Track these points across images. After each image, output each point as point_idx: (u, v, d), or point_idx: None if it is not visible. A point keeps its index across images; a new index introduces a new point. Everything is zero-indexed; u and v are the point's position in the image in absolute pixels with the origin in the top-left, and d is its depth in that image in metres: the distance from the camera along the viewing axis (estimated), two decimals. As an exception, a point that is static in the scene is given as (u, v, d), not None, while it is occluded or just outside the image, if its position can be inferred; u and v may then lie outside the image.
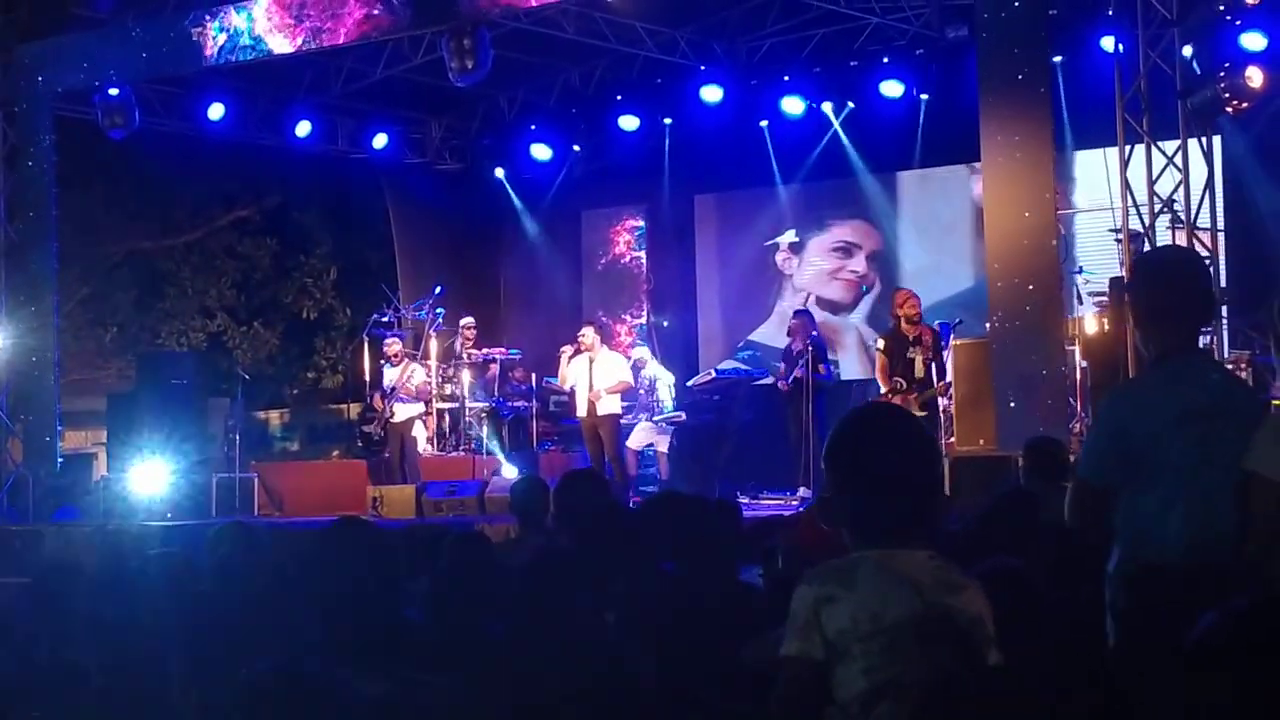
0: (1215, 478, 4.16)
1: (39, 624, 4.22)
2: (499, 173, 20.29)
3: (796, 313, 15.86)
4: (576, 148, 19.49)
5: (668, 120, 18.70)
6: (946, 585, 3.26)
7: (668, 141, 18.91)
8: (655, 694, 3.41)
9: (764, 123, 18.18)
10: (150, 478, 15.40)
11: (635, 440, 16.08)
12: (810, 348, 14.89)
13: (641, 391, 16.03)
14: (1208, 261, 11.30)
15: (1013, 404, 11.64)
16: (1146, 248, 11.77)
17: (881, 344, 14.23)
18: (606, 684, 2.62)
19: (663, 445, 16.21)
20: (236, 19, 15.17)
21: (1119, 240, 12.76)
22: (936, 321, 14.91)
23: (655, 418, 16.18)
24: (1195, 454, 4.19)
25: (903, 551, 3.29)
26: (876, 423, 3.52)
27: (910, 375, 13.68)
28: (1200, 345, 4.65)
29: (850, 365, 17.82)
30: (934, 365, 13.68)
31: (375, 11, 14.38)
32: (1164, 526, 4.19)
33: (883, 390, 13.89)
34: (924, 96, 16.94)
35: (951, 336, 14.38)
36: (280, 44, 15.01)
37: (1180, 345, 4.37)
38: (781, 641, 3.34)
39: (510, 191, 20.44)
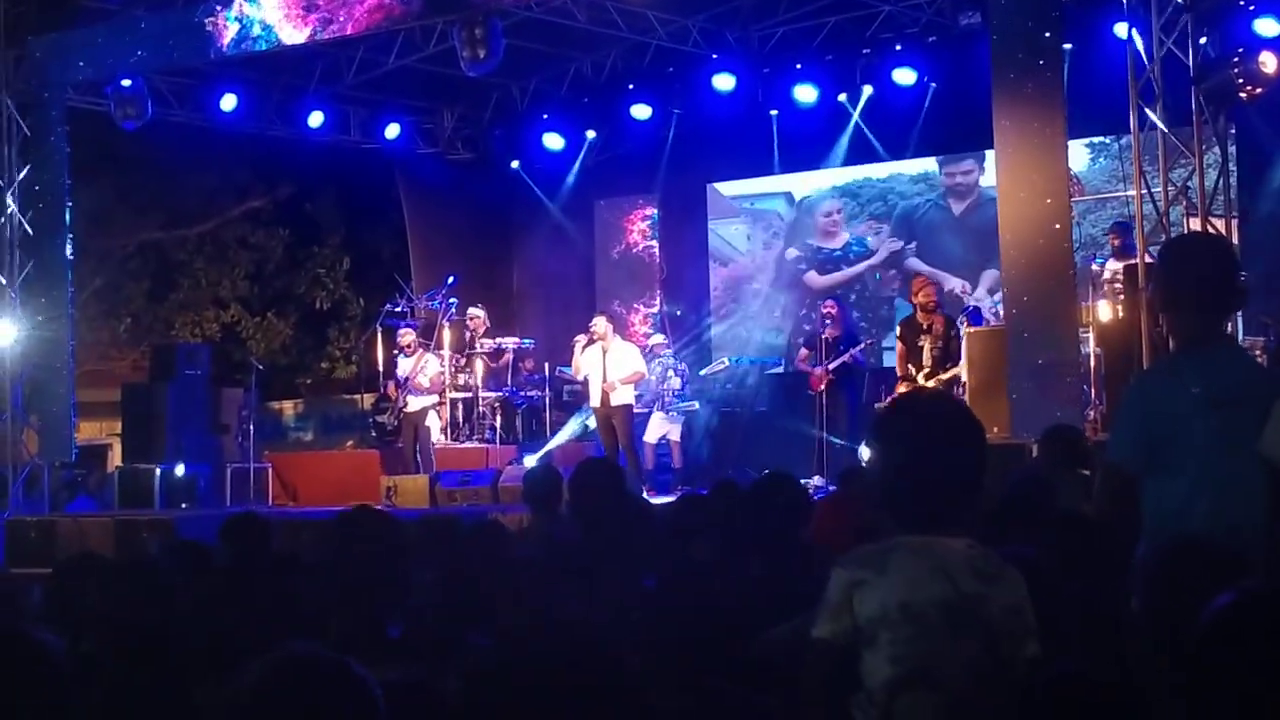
0: (1240, 464, 4.17)
1: (55, 614, 4.24)
2: (515, 164, 20.29)
3: (831, 299, 15.74)
4: (591, 133, 19.47)
5: (677, 110, 18.66)
6: (982, 574, 3.26)
7: (680, 130, 18.89)
8: (662, 688, 3.40)
9: (774, 112, 18.17)
10: (165, 468, 15.46)
11: (652, 434, 16.06)
12: (843, 336, 14.89)
13: (653, 379, 16.02)
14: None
15: (1027, 391, 11.61)
16: (1160, 235, 11.75)
17: (899, 331, 14.23)
18: (612, 677, 2.61)
19: (676, 434, 16.21)
20: (248, 8, 15.14)
21: (1132, 227, 12.72)
22: (964, 309, 14.92)
23: (668, 407, 16.17)
24: (1220, 440, 4.19)
25: (941, 539, 3.29)
26: (923, 410, 3.52)
27: (919, 364, 13.66)
28: (1226, 332, 4.64)
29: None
30: (943, 354, 13.66)
31: (386, 0, 14.37)
32: (1190, 512, 4.20)
33: (899, 376, 13.91)
34: (932, 84, 16.92)
35: (966, 324, 14.36)
36: (291, 34, 14.99)
37: (1206, 332, 4.36)
38: (798, 632, 3.34)
39: (524, 181, 20.44)
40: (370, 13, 14.51)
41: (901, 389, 13.55)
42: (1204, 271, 4.40)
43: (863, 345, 15.26)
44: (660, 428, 16.13)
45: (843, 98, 17.74)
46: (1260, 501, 4.17)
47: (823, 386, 14.99)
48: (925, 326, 13.76)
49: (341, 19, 14.69)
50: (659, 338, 17.22)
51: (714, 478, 13.31)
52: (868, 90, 17.56)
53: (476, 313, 17.74)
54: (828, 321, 15.13)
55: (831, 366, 14.80)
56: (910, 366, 13.70)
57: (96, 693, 3.41)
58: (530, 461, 15.31)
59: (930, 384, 13.46)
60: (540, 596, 4.95)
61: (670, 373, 16.34)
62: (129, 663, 3.61)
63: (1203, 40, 11.92)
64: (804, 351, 15.61)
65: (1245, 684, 2.53)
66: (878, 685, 3.21)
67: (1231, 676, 2.55)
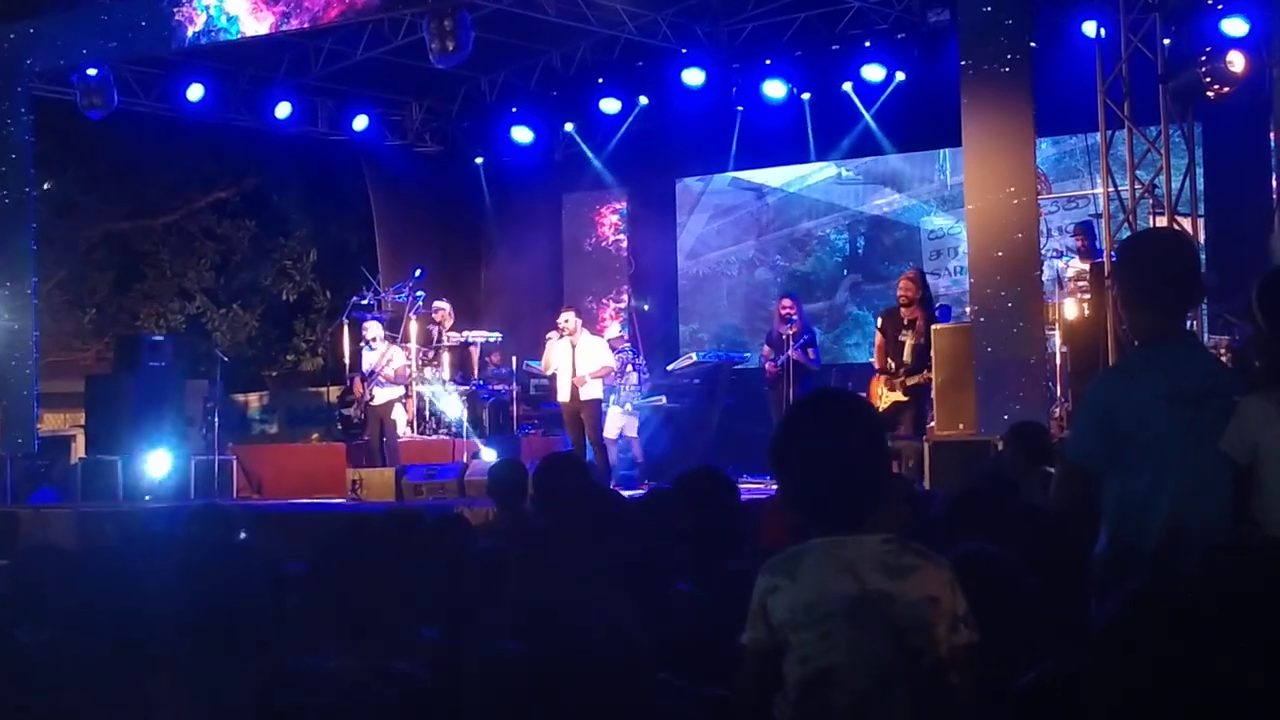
0: (1202, 461, 4.19)
1: (17, 607, 4.22)
2: (478, 161, 20.26)
3: (788, 296, 15.73)
4: (569, 126, 19.42)
5: (644, 100, 18.58)
6: (893, 569, 3.28)
7: (649, 124, 18.87)
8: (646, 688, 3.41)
9: (739, 108, 18.14)
10: (129, 460, 15.39)
11: (610, 429, 15.97)
12: (800, 332, 14.87)
13: (615, 375, 16.01)
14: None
15: (992, 388, 11.65)
16: (1126, 233, 11.80)
17: (880, 323, 14.20)
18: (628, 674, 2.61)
19: (633, 430, 16.18)
20: (214, -1, 15.11)
21: (1097, 225, 12.79)
22: (937, 306, 14.95)
23: (624, 400, 16.15)
24: (1182, 437, 4.20)
25: (853, 538, 3.32)
26: (815, 411, 3.55)
27: (899, 358, 13.65)
28: (1186, 328, 4.65)
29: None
30: (923, 351, 13.63)
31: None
32: (1151, 509, 4.21)
33: (876, 368, 13.91)
34: (901, 75, 16.94)
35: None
36: (254, 25, 14.94)
37: (1167, 329, 4.37)
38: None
39: (492, 174, 20.40)
40: (331, 6, 14.45)
41: (880, 382, 13.55)
42: (1164, 268, 4.40)
43: (805, 340, 15.10)
44: (617, 423, 16.07)
45: (806, 96, 17.75)
46: (1220, 497, 4.19)
47: (772, 382, 14.97)
48: (908, 321, 13.71)
49: (304, 12, 14.64)
50: (615, 329, 17.13)
51: (679, 473, 13.32)
52: (836, 86, 17.56)
53: (442, 305, 17.68)
54: (786, 319, 15.11)
55: (780, 360, 14.77)
56: (890, 360, 13.67)
57: (60, 680, 3.40)
58: (488, 456, 15.23)
59: (914, 379, 13.42)
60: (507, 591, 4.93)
61: (629, 367, 16.31)
62: (92, 652, 3.59)
63: (1165, 41, 11.98)
64: (766, 349, 15.59)
65: (1135, 688, 2.54)
66: (790, 685, 3.27)
67: (1123, 681, 2.57)
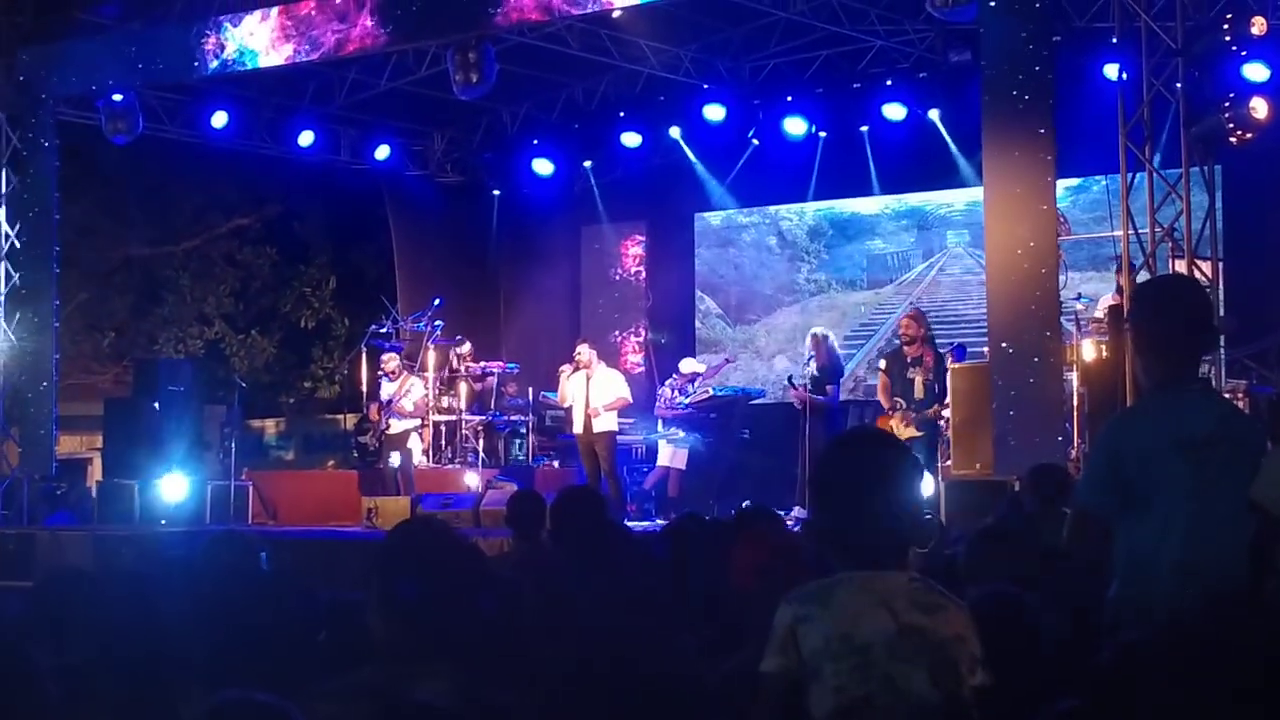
0: (1212, 506, 4.18)
1: (39, 629, 4.23)
2: (496, 193, 20.34)
3: (812, 334, 15.69)
4: (588, 163, 19.48)
5: (672, 132, 18.64)
6: (923, 606, 3.33)
7: (669, 159, 18.92)
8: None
9: (755, 142, 18.13)
10: (146, 484, 15.43)
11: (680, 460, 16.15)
12: (824, 368, 14.83)
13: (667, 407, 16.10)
14: (1207, 290, 11.28)
15: (1011, 429, 11.63)
16: (1145, 276, 11.79)
17: (884, 364, 14.21)
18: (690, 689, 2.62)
19: (681, 462, 16.17)
20: (237, 30, 15.18)
21: (1119, 268, 12.77)
22: (953, 344, 14.93)
23: (653, 435, 16.17)
24: (1193, 482, 4.20)
25: (882, 573, 3.37)
26: (854, 448, 3.60)
27: (910, 395, 13.65)
28: (1200, 374, 4.65)
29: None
30: (936, 386, 13.62)
31: (356, 33, 14.40)
32: (1161, 553, 4.21)
33: (885, 409, 13.89)
34: (933, 113, 16.95)
35: (950, 360, 14.37)
36: (276, 56, 15.02)
37: (1180, 374, 4.37)
38: (743, 665, 3.40)
39: (512, 205, 20.46)
40: (345, 43, 14.54)
41: (894, 421, 13.54)
42: (1176, 314, 4.41)
43: (827, 376, 15.00)
44: (667, 452, 16.19)
45: (823, 134, 17.78)
46: (1230, 544, 4.17)
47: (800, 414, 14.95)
48: (913, 359, 13.71)
49: (317, 48, 14.73)
50: (694, 364, 17.06)
51: (696, 506, 13.32)
52: (856, 124, 17.60)
53: (465, 344, 17.75)
54: (811, 355, 15.10)
55: (802, 399, 14.73)
56: (899, 399, 13.68)
57: (84, 707, 3.41)
58: (473, 482, 15.26)
59: (925, 414, 13.40)
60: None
61: (677, 398, 16.40)
62: (117, 677, 3.60)
63: (1178, 84, 11.98)
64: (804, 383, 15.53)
65: None
66: (823, 716, 3.28)
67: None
